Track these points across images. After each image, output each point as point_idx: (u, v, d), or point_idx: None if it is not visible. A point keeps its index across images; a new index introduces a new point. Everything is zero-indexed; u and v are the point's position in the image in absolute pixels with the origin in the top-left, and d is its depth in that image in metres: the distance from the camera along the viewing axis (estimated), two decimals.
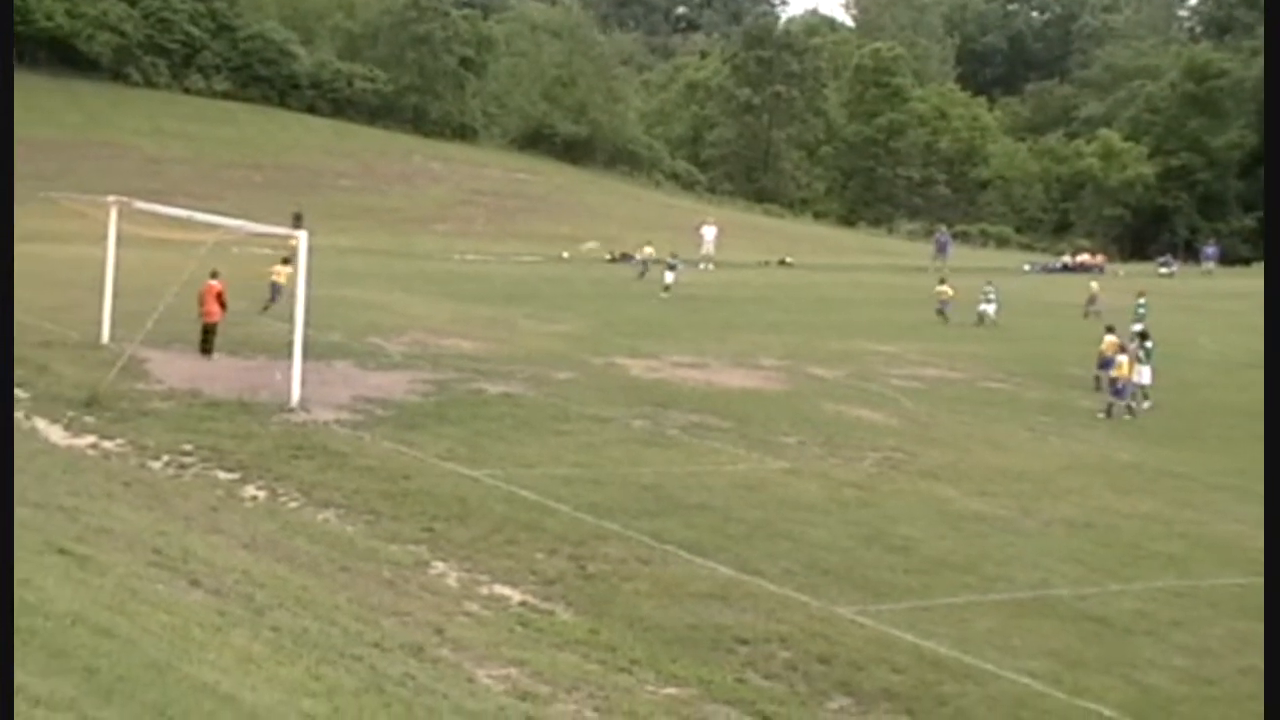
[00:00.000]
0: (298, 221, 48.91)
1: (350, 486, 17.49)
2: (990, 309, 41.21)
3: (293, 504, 16.72)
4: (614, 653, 12.68)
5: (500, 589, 14.24)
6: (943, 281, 43.46)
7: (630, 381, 27.41)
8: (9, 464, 16.06)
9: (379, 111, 77.73)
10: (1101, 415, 27.86)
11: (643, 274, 46.91)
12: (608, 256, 54.87)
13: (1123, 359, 28.36)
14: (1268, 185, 25.03)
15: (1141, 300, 40.83)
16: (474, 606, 13.60)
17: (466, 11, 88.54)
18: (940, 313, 41.52)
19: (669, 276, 43.69)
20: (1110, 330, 30.69)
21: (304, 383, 22.25)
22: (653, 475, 19.60)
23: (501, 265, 49.81)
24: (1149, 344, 29.41)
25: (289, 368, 22.18)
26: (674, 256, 45.72)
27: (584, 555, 15.52)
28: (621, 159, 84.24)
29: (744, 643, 13.27)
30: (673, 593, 14.52)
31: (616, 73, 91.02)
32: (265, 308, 30.78)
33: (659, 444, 21.95)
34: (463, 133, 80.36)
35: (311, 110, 75.72)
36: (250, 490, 17.17)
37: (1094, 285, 47.76)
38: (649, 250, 49.07)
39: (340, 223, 49.23)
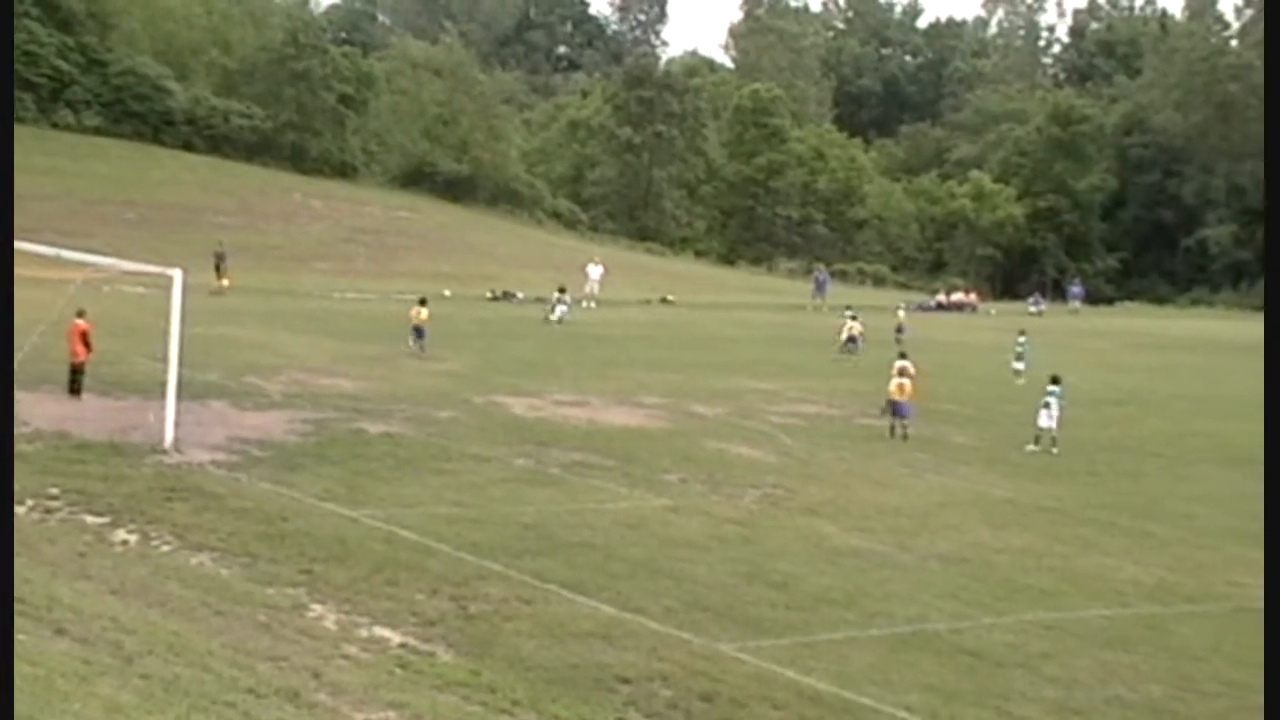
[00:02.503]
0: (220, 260, 48.27)
1: (226, 529, 17.15)
2: (1021, 365, 40.55)
3: (165, 547, 16.34)
4: (495, 694, 12.60)
5: (380, 631, 14.07)
6: (854, 318, 44.15)
7: (512, 420, 27.33)
8: (9, 465, 15.58)
9: (257, 148, 76.69)
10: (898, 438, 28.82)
11: (554, 316, 46.86)
12: (489, 295, 54.73)
13: (904, 381, 29.36)
14: (1268, 187, 25.72)
15: (1022, 338, 41.34)
16: (353, 649, 13.42)
17: (346, 49, 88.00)
18: (847, 346, 42.22)
19: (559, 310, 44.53)
20: (903, 356, 31.01)
21: (178, 423, 21.80)
22: (535, 514, 19.55)
23: (383, 304, 49.37)
24: (1056, 388, 29.29)
25: (163, 408, 21.71)
26: (562, 290, 46.67)
27: (465, 595, 15.41)
28: (503, 197, 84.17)
29: (626, 682, 13.27)
30: (555, 632, 14.47)
31: (498, 111, 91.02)
32: (416, 345, 35.46)
33: (541, 483, 21.91)
34: (343, 170, 79.64)
35: (187, 147, 74.42)
36: (121, 534, 16.74)
37: (901, 314, 48.96)
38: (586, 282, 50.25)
39: (213, 260, 48.38)
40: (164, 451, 21.12)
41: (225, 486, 19.41)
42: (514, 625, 14.58)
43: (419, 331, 35.88)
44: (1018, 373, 39.34)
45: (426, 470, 21.85)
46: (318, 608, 14.64)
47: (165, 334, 21.88)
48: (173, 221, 58.53)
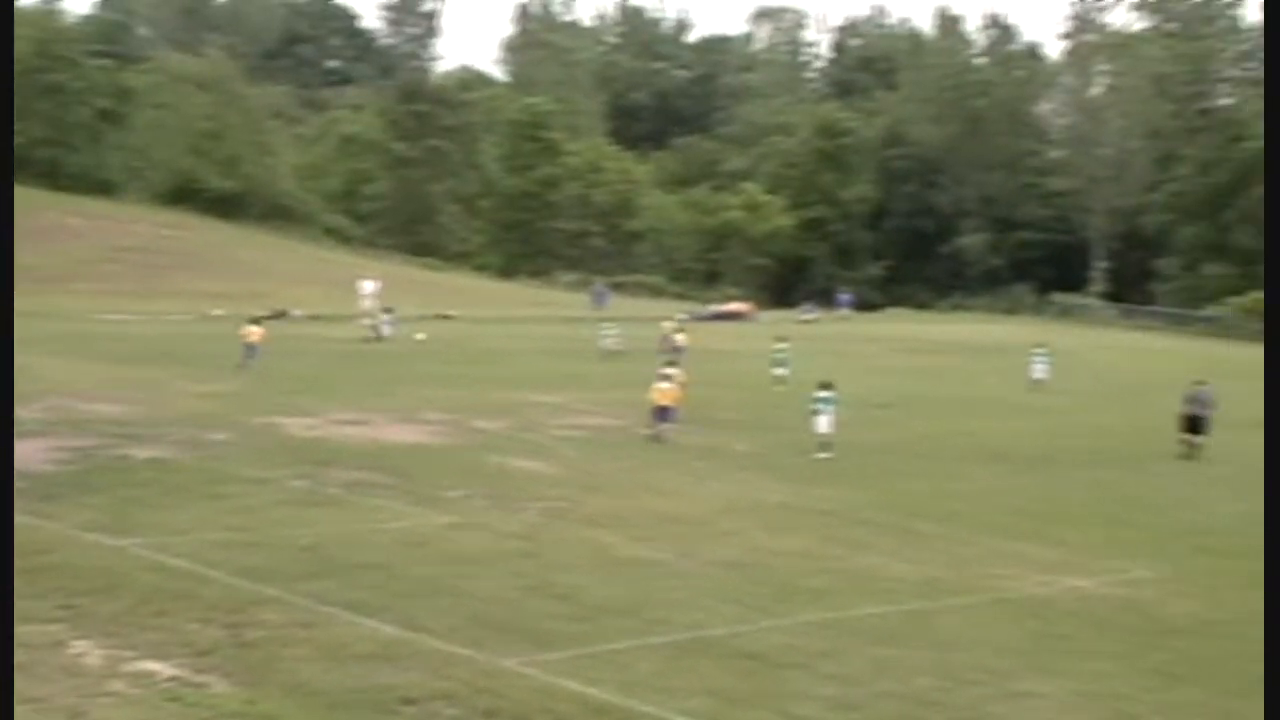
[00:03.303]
0: None
1: None
2: (1042, 371, 45.56)
3: None
4: None
5: (148, 664, 13.54)
6: (680, 330, 45.43)
7: (289, 441, 26.71)
8: (9, 466, 14.20)
9: None
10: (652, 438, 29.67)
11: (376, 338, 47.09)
12: (262, 314, 53.34)
13: (666, 386, 30.21)
14: (1268, 190, 26.54)
15: (780, 345, 42.65)
16: (119, 685, 12.88)
17: (103, 62, 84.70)
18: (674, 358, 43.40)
19: (386, 329, 45.87)
20: (666, 378, 31.05)
21: None
22: (313, 536, 19.14)
23: (150, 324, 47.64)
24: (828, 394, 29.96)
25: None
26: (388, 310, 47.96)
27: (240, 623, 14.97)
28: (276, 214, 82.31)
29: (410, 702, 13.10)
30: (335, 655, 14.19)
31: (267, 126, 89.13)
32: (240, 366, 36.29)
33: (319, 504, 21.47)
34: (104, 188, 76.70)
35: None
36: None
37: (666, 325, 50.01)
38: (370, 304, 50.01)
39: None
40: None
41: None
42: (292, 651, 14.23)
43: (251, 350, 37.73)
44: (779, 379, 40.42)
45: (198, 495, 21.16)
46: (80, 644, 14.00)
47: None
48: None
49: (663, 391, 30.26)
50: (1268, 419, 15.02)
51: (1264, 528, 14.93)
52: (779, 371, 40.96)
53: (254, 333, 38.67)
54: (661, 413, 30.10)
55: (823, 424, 29.72)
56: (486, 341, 46.40)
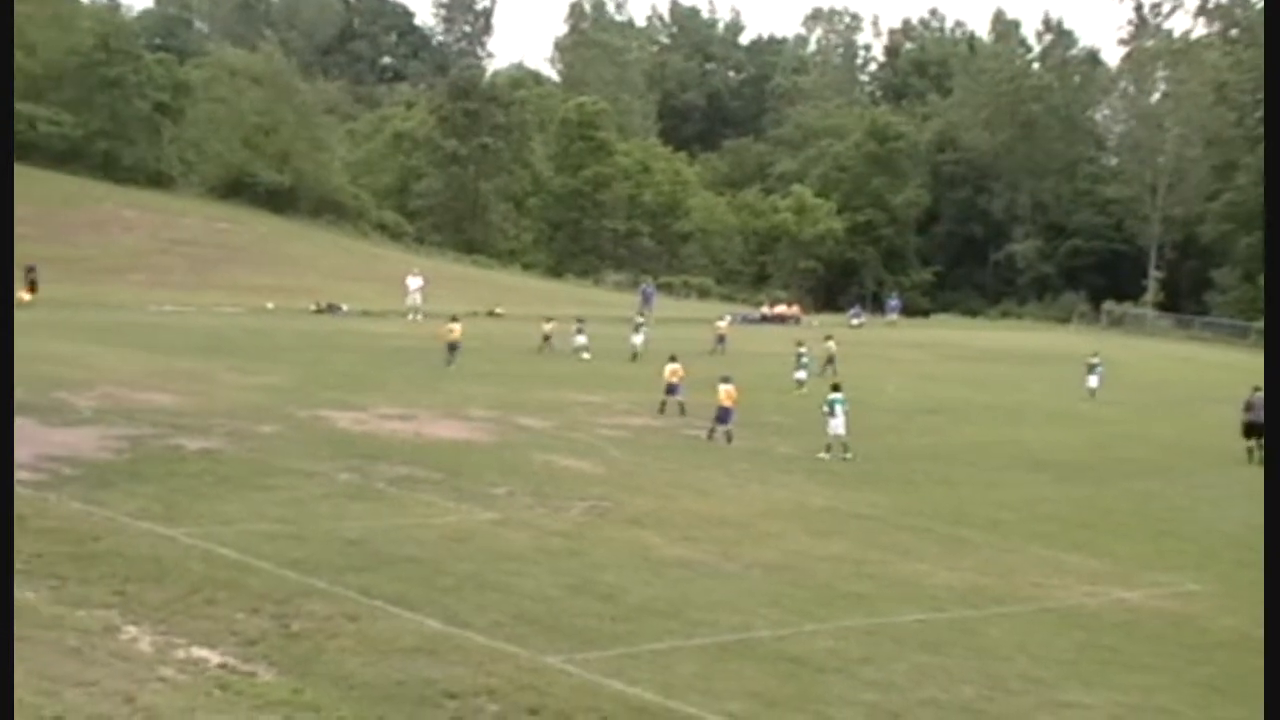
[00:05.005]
0: (31, 273, 46.33)
1: (31, 550, 16.49)
2: (1094, 381, 45.96)
3: None
4: (318, 713, 12.41)
5: (198, 651, 13.72)
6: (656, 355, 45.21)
7: (337, 434, 26.92)
8: (9, 467, 14.51)
9: (65, 156, 73.95)
10: (705, 437, 30.34)
11: (541, 349, 45.35)
12: (312, 308, 53.81)
13: (727, 387, 30.49)
14: (1268, 195, 26.48)
15: (802, 349, 42.11)
16: (169, 671, 13.06)
17: (161, 55, 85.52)
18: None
19: (580, 339, 44.87)
20: (726, 380, 31.08)
21: None
22: (360, 529, 19.31)
23: (201, 316, 48.14)
24: (838, 395, 30.13)
25: None
26: (580, 320, 46.50)
27: (288, 613, 15.13)
28: (327, 208, 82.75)
29: (452, 697, 13.20)
30: (380, 648, 14.32)
31: (320, 121, 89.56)
32: (450, 364, 37.85)
33: (366, 497, 21.65)
34: (159, 180, 77.32)
35: None
36: None
37: (720, 324, 50.45)
38: (549, 327, 46.15)
39: (19, 273, 46.51)
40: None
41: (31, 507, 18.66)
42: (338, 642, 14.37)
43: (453, 347, 38.64)
44: (800, 383, 40.13)
45: (247, 486, 21.38)
46: (132, 629, 14.21)
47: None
48: None
49: (727, 393, 30.51)
50: (1268, 420, 15.02)
51: (1264, 527, 14.78)
52: (800, 375, 40.67)
53: (454, 330, 39.30)
54: (723, 414, 30.45)
55: (833, 425, 29.82)
56: (533, 340, 46.46)
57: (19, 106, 73.77)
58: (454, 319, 40.66)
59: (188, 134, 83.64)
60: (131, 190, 73.35)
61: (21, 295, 44.68)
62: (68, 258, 57.36)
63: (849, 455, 29.32)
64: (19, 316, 38.37)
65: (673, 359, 34.52)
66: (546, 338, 45.61)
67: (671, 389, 33.96)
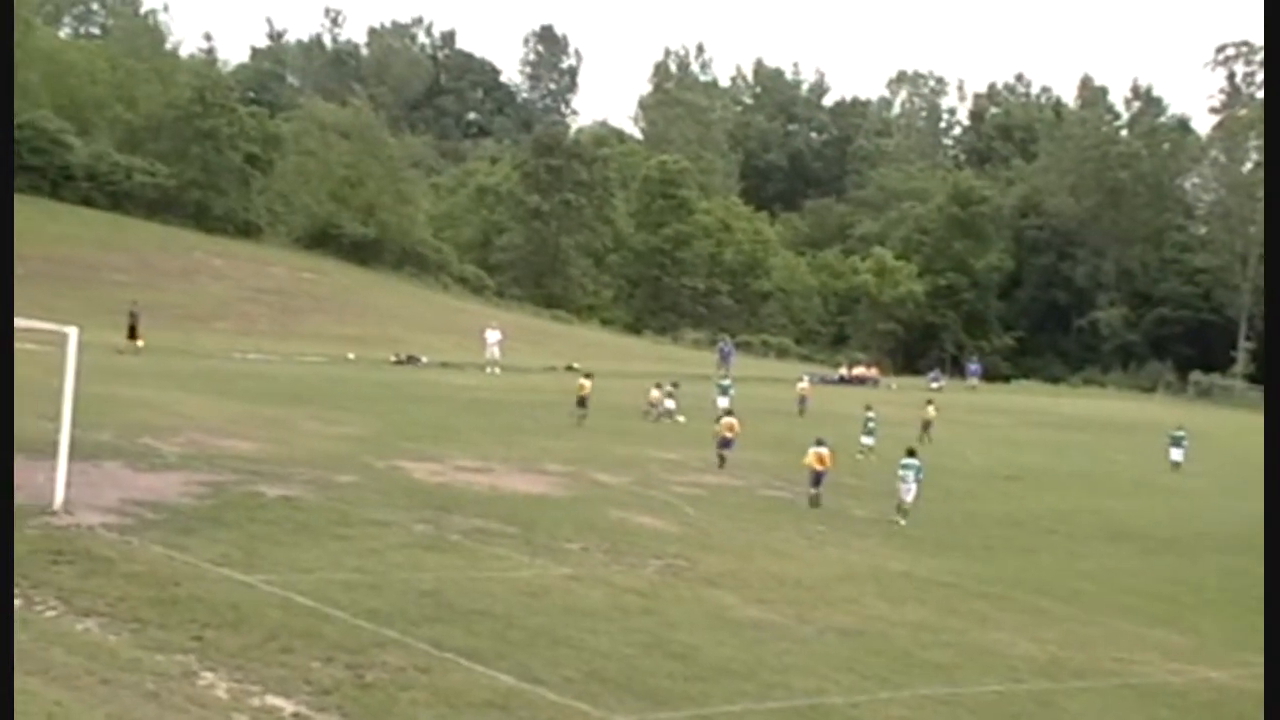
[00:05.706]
0: (134, 319, 47.40)
1: (114, 594, 16.74)
2: (1179, 453, 45.90)
3: (50, 613, 15.89)
4: None
5: (272, 699, 13.80)
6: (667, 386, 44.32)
7: (413, 485, 27.10)
8: (9, 468, 14.88)
9: (159, 205, 75.73)
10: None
11: (657, 417, 43.34)
12: (393, 359, 54.40)
13: (820, 450, 30.23)
14: (1267, 200, 26.22)
15: (870, 413, 41.18)
16: (243, 718, 13.15)
17: (254, 109, 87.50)
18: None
19: (670, 403, 43.40)
20: (820, 443, 30.77)
21: (69, 484, 21.26)
22: (434, 581, 19.36)
23: (285, 365, 48.84)
24: (914, 461, 29.68)
25: (53, 468, 21.19)
26: (675, 385, 44.72)
27: (361, 664, 15.18)
28: (409, 261, 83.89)
29: None
30: (452, 702, 14.31)
31: (406, 175, 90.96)
32: (576, 421, 38.94)
33: (441, 549, 21.72)
34: (247, 230, 78.88)
35: (86, 202, 73.22)
36: None
37: (801, 386, 50.02)
38: (657, 394, 44.07)
39: (115, 318, 47.52)
40: (53, 513, 20.57)
41: (115, 550, 18.96)
42: (410, 694, 14.39)
43: (583, 402, 39.59)
44: (867, 449, 39.11)
45: (325, 535, 21.55)
46: (209, 675, 14.33)
47: (58, 392, 21.41)
48: (68, 277, 57.44)
49: (818, 456, 30.27)
50: (1268, 420, 14.71)
51: (1264, 526, 14.36)
52: (867, 440, 39.65)
53: (585, 386, 40.20)
54: (816, 477, 30.19)
55: (905, 491, 29.39)
56: (610, 395, 46.57)
57: (118, 157, 75.92)
58: (587, 375, 41.62)
59: (276, 185, 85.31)
60: (221, 239, 74.89)
61: (135, 343, 45.81)
62: (159, 304, 58.51)
63: (903, 521, 28.90)
64: (113, 362, 39.28)
65: (729, 413, 34.72)
66: (653, 404, 43.57)
67: (726, 443, 34.22)
